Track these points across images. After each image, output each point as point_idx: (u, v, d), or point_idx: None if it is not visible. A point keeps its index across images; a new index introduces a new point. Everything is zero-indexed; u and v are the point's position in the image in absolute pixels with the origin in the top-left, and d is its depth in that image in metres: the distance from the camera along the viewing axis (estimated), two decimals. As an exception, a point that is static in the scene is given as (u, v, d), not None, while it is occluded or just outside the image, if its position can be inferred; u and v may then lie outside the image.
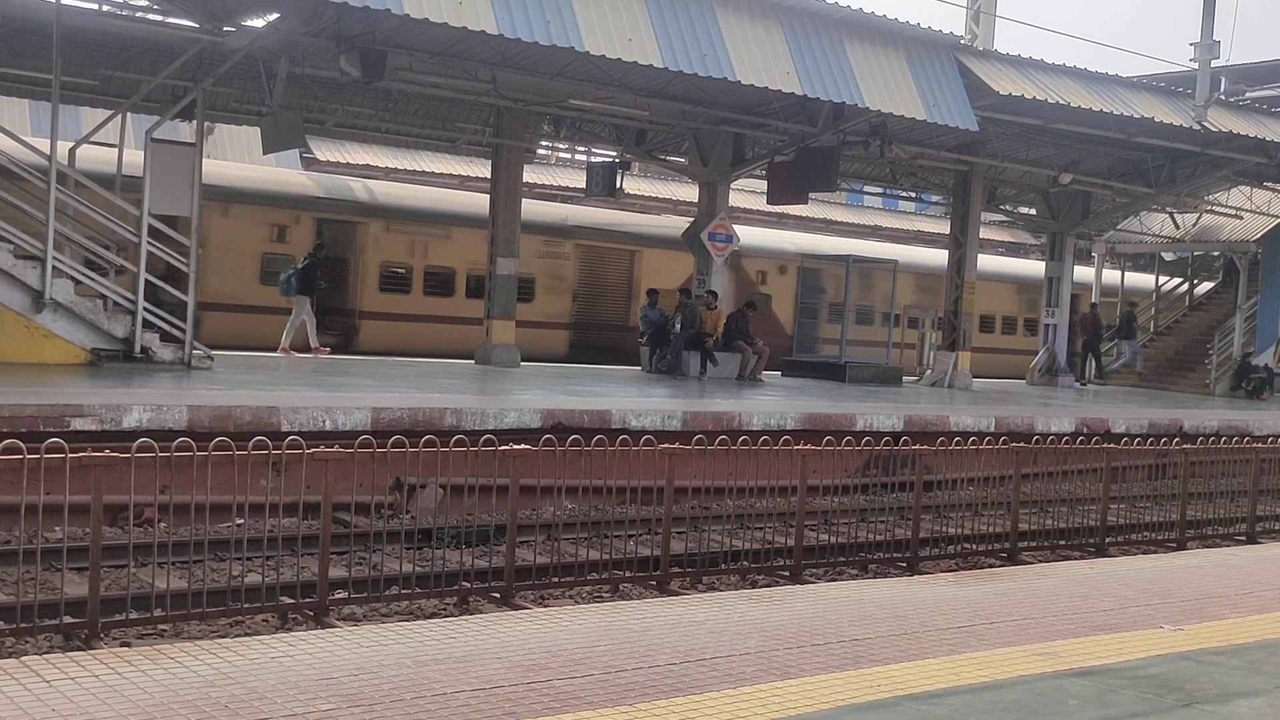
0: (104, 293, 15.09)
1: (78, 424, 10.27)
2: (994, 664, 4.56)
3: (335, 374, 15.99)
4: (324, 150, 28.95)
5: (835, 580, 9.75)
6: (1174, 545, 11.89)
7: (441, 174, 30.51)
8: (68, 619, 6.82)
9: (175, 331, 15.42)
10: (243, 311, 21.31)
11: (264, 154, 20.75)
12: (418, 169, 30.37)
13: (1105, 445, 12.02)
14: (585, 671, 4.30)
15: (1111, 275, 33.06)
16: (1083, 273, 30.73)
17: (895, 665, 4.48)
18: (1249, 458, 12.96)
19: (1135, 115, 20.39)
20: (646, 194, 33.78)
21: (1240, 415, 20.41)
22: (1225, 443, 13.36)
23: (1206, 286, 33.60)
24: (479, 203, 23.36)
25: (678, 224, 26.48)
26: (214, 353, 15.91)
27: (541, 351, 23.34)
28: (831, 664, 4.47)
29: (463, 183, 29.80)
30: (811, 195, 24.92)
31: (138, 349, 15.01)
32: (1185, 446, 12.75)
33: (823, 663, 4.49)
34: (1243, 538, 12.53)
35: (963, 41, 20.56)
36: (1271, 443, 14.94)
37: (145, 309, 15.09)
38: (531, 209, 23.93)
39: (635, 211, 29.99)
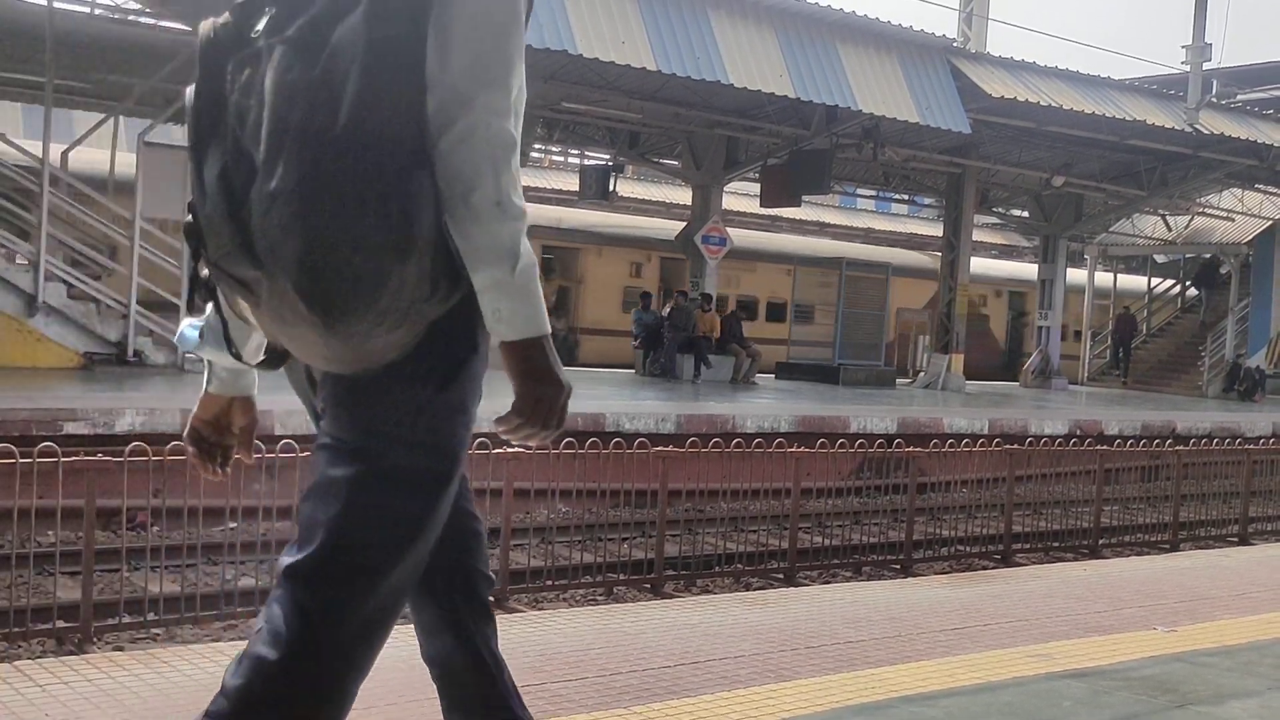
0: (96, 296, 15.06)
1: (70, 428, 10.26)
2: (988, 666, 4.56)
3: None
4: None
5: (829, 583, 9.76)
6: (1167, 547, 11.91)
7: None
8: (61, 623, 6.79)
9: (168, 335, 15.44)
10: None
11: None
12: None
13: (1099, 447, 12.03)
14: (579, 675, 4.29)
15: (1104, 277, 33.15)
16: (1075, 275, 30.76)
17: (889, 667, 4.47)
18: (1241, 459, 12.99)
19: (1127, 118, 20.43)
20: (640, 197, 33.76)
21: (1233, 417, 20.45)
22: (1218, 445, 13.37)
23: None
24: (776, 241, 28.05)
25: (919, 258, 30.59)
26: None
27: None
28: (826, 666, 4.47)
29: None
30: (805, 198, 25.00)
31: (130, 352, 14.98)
32: (1178, 448, 12.78)
33: (817, 665, 4.48)
34: (1235, 539, 12.55)
35: (955, 44, 20.59)
36: (1264, 444, 14.97)
37: (138, 312, 15.08)
38: (807, 245, 29.76)
39: (841, 239, 34.38)
